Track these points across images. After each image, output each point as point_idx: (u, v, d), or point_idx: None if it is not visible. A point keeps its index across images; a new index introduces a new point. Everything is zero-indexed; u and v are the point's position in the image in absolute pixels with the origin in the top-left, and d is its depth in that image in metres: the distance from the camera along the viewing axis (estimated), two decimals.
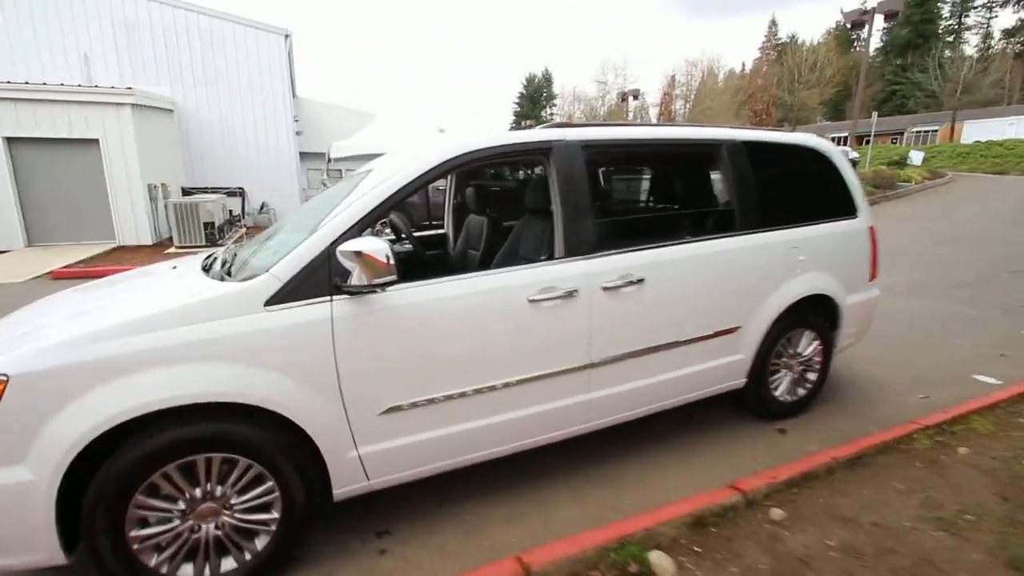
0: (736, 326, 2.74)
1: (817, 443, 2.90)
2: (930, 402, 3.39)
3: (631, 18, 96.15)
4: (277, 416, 1.78)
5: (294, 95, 16.84)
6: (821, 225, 3.03)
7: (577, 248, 2.27)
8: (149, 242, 11.89)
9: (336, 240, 1.86)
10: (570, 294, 2.20)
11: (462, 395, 2.07)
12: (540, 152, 2.28)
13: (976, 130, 35.48)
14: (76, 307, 2.01)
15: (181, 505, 1.76)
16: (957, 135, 36.93)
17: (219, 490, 1.79)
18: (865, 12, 18.52)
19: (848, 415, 3.26)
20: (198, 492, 1.77)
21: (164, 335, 1.66)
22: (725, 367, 2.79)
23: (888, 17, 18.73)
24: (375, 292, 1.86)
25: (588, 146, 2.34)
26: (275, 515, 1.87)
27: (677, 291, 2.50)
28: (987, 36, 48.30)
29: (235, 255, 2.30)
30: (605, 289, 2.28)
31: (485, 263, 3.27)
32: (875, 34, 17.12)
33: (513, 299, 2.12)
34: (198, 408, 1.70)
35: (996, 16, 46.95)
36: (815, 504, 2.30)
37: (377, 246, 1.75)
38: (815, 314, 3.09)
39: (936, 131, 38.96)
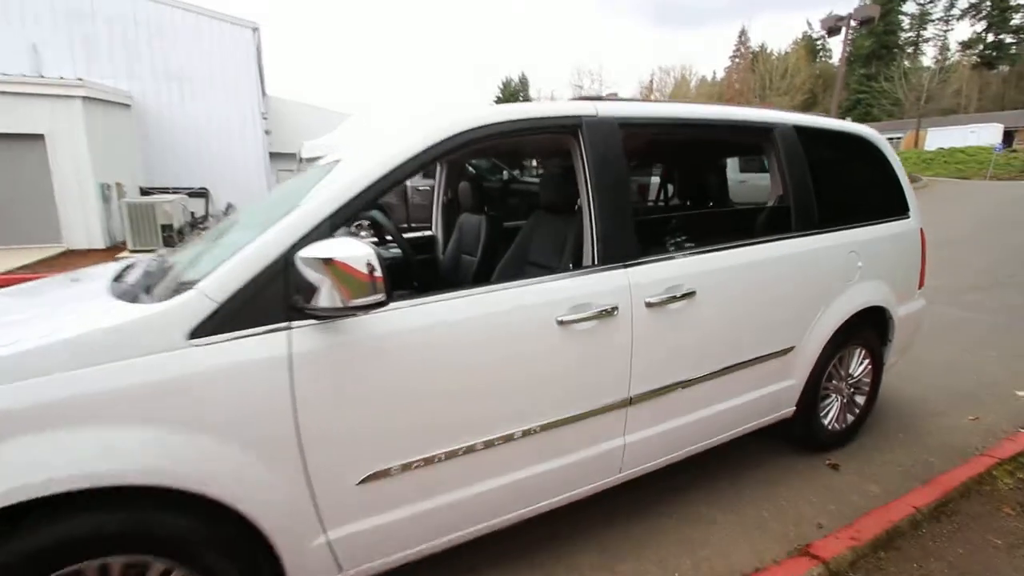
0: (791, 346, 2.29)
1: (876, 481, 2.47)
2: (983, 425, 3.02)
3: (602, 26, 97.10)
4: (207, 499, 1.23)
5: (264, 93, 16.03)
6: (876, 226, 2.61)
7: (616, 254, 1.77)
8: (101, 245, 10.99)
9: (297, 242, 1.31)
10: (608, 312, 1.70)
11: (470, 450, 1.55)
12: (566, 130, 1.77)
13: (939, 137, 36.58)
14: None
15: None
16: (921, 142, 38.02)
17: None
18: (841, 18, 18.70)
19: (899, 443, 2.85)
20: None
21: (23, 388, 1.08)
22: (776, 395, 2.33)
23: (863, 23, 18.97)
24: (353, 315, 1.32)
25: (626, 124, 1.84)
26: None
27: (731, 305, 2.02)
28: (944, 48, 50.20)
29: (163, 263, 1.72)
30: (649, 305, 1.79)
31: (484, 271, 2.75)
32: (841, 44, 17.15)
33: (539, 320, 1.60)
34: (85, 494, 1.13)
35: (952, 29, 48.78)
36: (910, 574, 1.85)
37: (356, 251, 1.21)
38: (867, 329, 2.66)
39: (901, 138, 40.04)
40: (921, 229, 2.91)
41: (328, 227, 1.35)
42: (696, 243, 1.99)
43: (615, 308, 1.71)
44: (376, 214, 2.24)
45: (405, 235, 3.51)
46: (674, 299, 1.84)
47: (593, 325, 1.68)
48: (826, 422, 2.64)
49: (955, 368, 3.85)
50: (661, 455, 2.03)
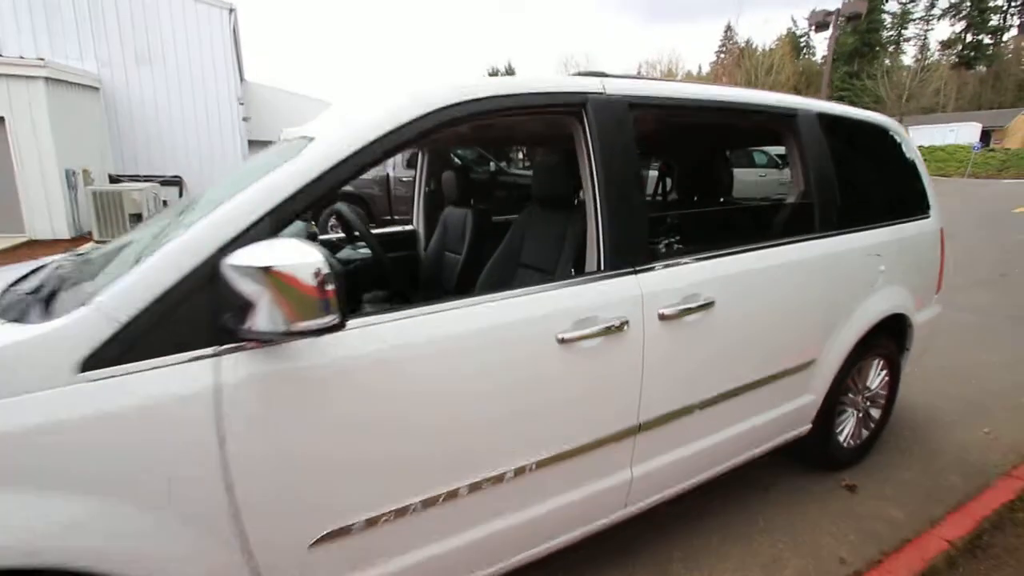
0: (811, 359, 2.06)
1: (897, 505, 2.26)
2: (999, 439, 2.84)
3: (590, 20, 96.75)
4: None
5: (242, 78, 15.43)
6: (898, 226, 2.39)
7: (625, 258, 1.50)
8: (67, 235, 10.45)
9: (227, 244, 1.01)
10: (617, 328, 1.43)
11: (452, 496, 1.28)
12: (568, 109, 1.50)
13: (919, 135, 36.99)
14: None
15: None
16: None
17: None
18: (829, 13, 18.65)
19: (914, 458, 2.65)
20: None
21: None
22: (793, 413, 2.10)
23: (851, 19, 18.96)
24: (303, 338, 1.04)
25: (638, 104, 1.57)
26: None
27: (752, 315, 1.77)
28: (924, 47, 50.92)
29: (78, 265, 1.41)
30: (663, 318, 1.53)
31: (470, 271, 2.47)
32: (823, 42, 17.27)
33: (536, 338, 1.33)
34: None
35: (932, 29, 49.40)
36: None
37: (302, 257, 0.93)
38: (886, 338, 2.45)
39: None
40: (941, 229, 2.70)
41: (269, 224, 1.06)
42: (713, 245, 1.73)
43: (625, 323, 1.44)
44: (341, 207, 1.94)
45: (385, 229, 3.22)
46: (690, 310, 1.58)
47: (599, 343, 1.42)
48: (842, 439, 2.43)
49: (956, 373, 3.69)
50: (671, 485, 1.78)
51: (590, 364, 1.42)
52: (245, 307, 0.94)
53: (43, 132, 10.14)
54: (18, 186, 10.11)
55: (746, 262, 1.76)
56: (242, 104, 14.75)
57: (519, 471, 1.36)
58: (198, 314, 0.99)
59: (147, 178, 12.34)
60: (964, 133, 34.32)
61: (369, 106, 1.33)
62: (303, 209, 1.12)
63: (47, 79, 10.11)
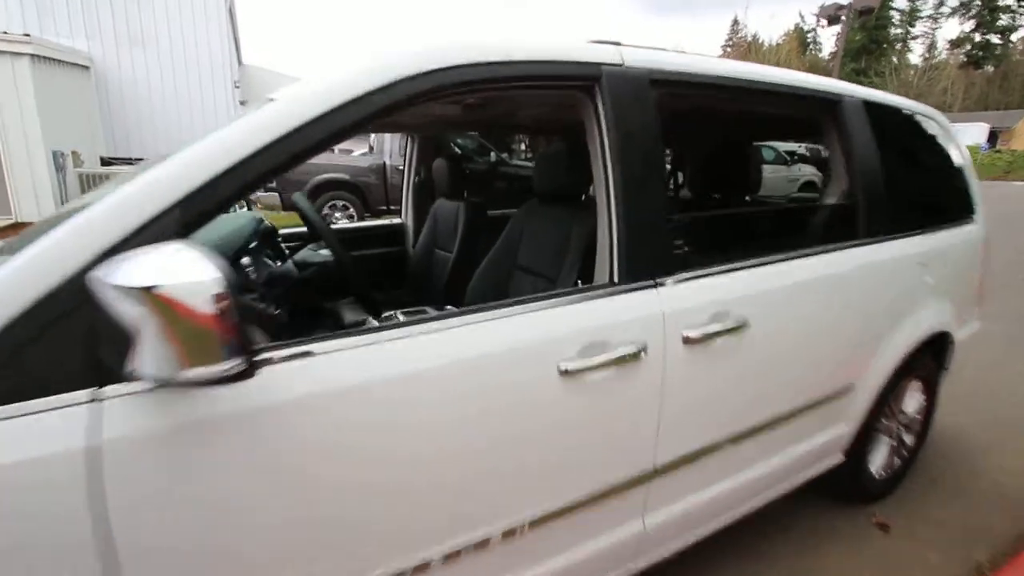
0: (850, 383, 1.79)
1: (934, 547, 2.01)
2: None
3: (593, 11, 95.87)
4: None
5: (239, 61, 15.06)
6: (946, 232, 2.12)
7: (644, 267, 1.22)
8: None
9: (107, 251, 0.74)
10: (633, 356, 1.16)
11: (421, 569, 1.01)
12: (578, 83, 1.21)
13: None
14: None
15: None
16: None
17: None
18: (841, 7, 18.22)
19: (947, 489, 2.40)
20: None
21: None
22: (825, 444, 1.84)
23: (863, 13, 18.54)
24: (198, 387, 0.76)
25: (662, 81, 1.29)
26: None
27: (792, 336, 1.50)
28: (932, 46, 50.33)
29: None
30: (688, 342, 1.26)
31: (461, 270, 2.19)
32: (830, 38, 16.93)
33: (532, 369, 1.06)
34: None
35: (940, 27, 48.75)
36: None
37: (196, 274, 0.65)
38: (927, 358, 2.19)
39: None
40: (986, 236, 2.43)
41: (174, 222, 0.78)
42: (746, 252, 1.45)
43: (643, 349, 1.17)
44: (298, 198, 1.66)
45: (370, 223, 2.94)
46: (720, 333, 1.31)
47: (611, 373, 1.15)
48: (874, 470, 2.17)
49: (983, 389, 3.42)
50: (687, 533, 1.52)
51: (599, 400, 1.15)
52: (121, 340, 0.66)
53: (29, 112, 9.84)
54: (3, 168, 9.81)
55: (786, 273, 1.48)
56: (239, 87, 14.39)
57: (507, 533, 1.10)
58: (68, 346, 0.71)
59: (139, 161, 12.03)
60: (972, 134, 33.85)
61: (333, 74, 1.05)
62: (229, 199, 0.84)
63: (33, 56, 9.78)
